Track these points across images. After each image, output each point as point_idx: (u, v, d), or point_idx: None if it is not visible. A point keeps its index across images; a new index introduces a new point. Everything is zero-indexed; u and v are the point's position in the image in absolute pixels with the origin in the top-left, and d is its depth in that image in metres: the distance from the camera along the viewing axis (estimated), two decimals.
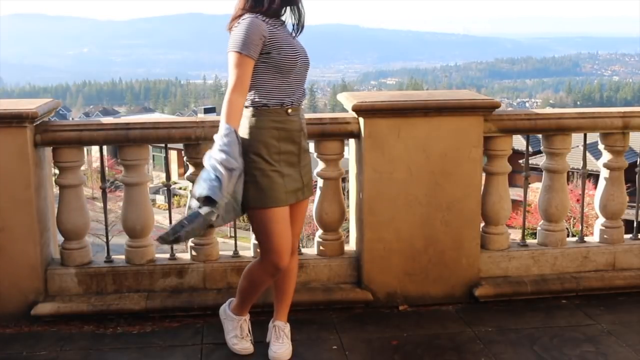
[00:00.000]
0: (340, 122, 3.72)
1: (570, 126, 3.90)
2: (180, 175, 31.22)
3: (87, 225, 3.82)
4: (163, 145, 3.83)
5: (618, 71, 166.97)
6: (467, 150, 3.69)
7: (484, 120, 3.71)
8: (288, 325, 3.23)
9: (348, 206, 4.00)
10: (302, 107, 3.02)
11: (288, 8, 2.97)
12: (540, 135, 4.02)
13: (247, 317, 3.24)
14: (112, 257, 3.86)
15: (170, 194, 4.17)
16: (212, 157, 2.74)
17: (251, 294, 3.15)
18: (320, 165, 3.83)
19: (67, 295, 3.70)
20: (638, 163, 4.10)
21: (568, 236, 4.12)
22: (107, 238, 4.00)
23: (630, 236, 4.17)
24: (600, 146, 4.04)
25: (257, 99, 2.88)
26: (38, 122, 3.57)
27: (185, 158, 3.74)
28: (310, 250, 3.98)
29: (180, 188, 32.03)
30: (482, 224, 3.95)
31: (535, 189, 8.44)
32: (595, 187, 4.26)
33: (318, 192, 3.86)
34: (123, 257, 3.84)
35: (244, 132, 2.87)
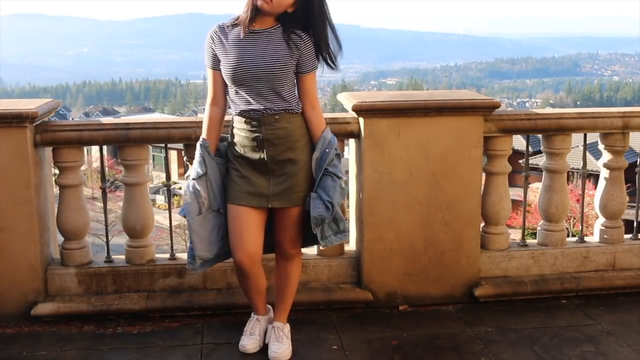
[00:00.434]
0: (340, 122, 3.72)
1: (570, 126, 3.90)
2: (180, 175, 31.20)
3: (87, 225, 3.82)
4: (163, 145, 3.83)
5: (618, 71, 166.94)
6: (467, 150, 3.69)
7: (484, 120, 3.71)
8: (288, 325, 3.24)
9: (348, 206, 3.99)
10: (277, 117, 2.92)
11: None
12: (540, 135, 4.02)
13: (259, 316, 3.27)
14: (112, 257, 3.86)
15: (170, 194, 4.17)
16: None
17: (245, 292, 3.25)
18: None
19: (67, 295, 3.70)
20: (638, 163, 4.10)
21: (568, 236, 4.12)
22: (107, 238, 4.00)
23: (630, 236, 4.17)
24: (600, 146, 4.04)
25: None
26: (38, 122, 3.57)
27: (185, 158, 3.73)
28: (310, 250, 3.97)
29: (180, 188, 31.94)
30: (482, 224, 3.95)
31: (535, 189, 8.43)
32: (595, 187, 4.26)
33: None
34: (123, 257, 3.84)
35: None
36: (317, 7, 2.91)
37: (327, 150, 3.02)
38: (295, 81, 2.99)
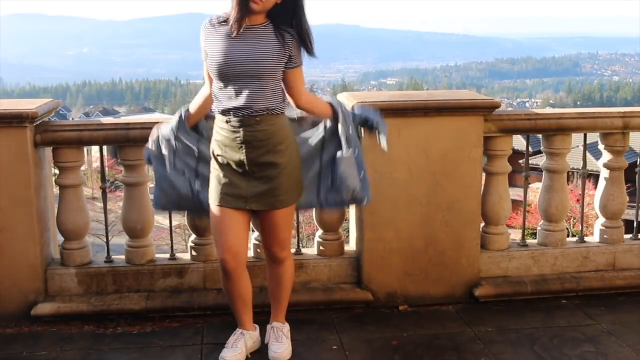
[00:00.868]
0: None
1: (570, 126, 3.90)
2: None
3: (87, 225, 3.82)
4: None
5: (618, 71, 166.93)
6: (467, 150, 3.69)
7: (484, 120, 3.71)
8: (287, 325, 3.24)
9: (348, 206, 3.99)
10: (258, 119, 2.87)
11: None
12: (540, 135, 4.02)
13: (244, 330, 3.15)
14: (112, 257, 3.86)
15: None
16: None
17: (230, 302, 3.16)
18: None
19: (67, 295, 3.70)
20: (638, 163, 4.10)
21: (568, 236, 4.12)
22: (107, 238, 4.00)
23: (630, 236, 4.17)
24: (600, 146, 4.04)
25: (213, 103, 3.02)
26: (38, 122, 3.57)
27: None
28: (310, 250, 3.98)
29: None
30: (482, 224, 3.95)
31: (535, 189, 8.43)
32: (595, 187, 4.26)
33: None
34: (123, 257, 3.84)
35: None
36: None
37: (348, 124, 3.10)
38: (280, 80, 2.94)
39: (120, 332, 3.48)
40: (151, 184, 3.54)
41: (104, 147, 3.82)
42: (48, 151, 3.73)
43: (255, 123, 2.88)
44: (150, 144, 3.16)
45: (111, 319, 3.60)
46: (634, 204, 4.18)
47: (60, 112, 61.85)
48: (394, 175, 3.66)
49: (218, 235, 3.02)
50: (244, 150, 2.90)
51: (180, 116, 3.11)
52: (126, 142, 3.67)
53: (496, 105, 3.73)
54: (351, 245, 3.99)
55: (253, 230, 3.73)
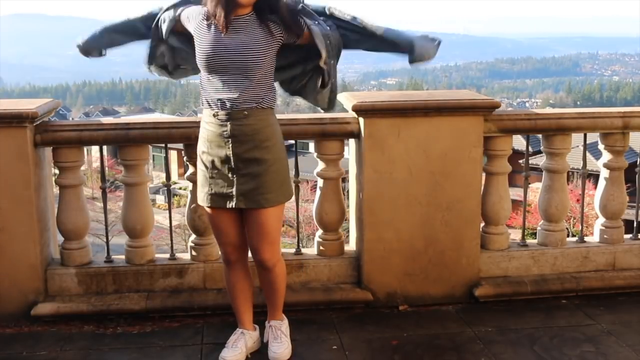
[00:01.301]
0: (340, 122, 3.72)
1: (570, 126, 3.90)
2: (180, 175, 31.15)
3: (87, 225, 3.82)
4: (163, 145, 3.83)
5: (618, 71, 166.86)
6: (467, 150, 3.69)
7: (484, 120, 3.71)
8: (285, 321, 3.22)
9: (348, 206, 3.99)
10: (246, 113, 2.85)
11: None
12: (540, 135, 4.02)
13: (245, 330, 3.17)
14: (112, 257, 3.86)
15: (170, 194, 4.17)
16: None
17: (231, 299, 3.20)
18: (320, 165, 3.83)
19: (67, 295, 3.70)
20: (638, 163, 4.10)
21: (568, 236, 4.12)
22: (107, 238, 4.00)
23: (630, 236, 4.17)
24: (600, 146, 4.03)
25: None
26: (38, 122, 3.57)
27: (185, 158, 3.74)
28: (310, 250, 3.98)
29: (180, 188, 31.98)
30: (482, 224, 3.95)
31: (535, 189, 8.42)
32: (595, 187, 4.26)
33: (318, 192, 3.86)
34: (123, 257, 3.84)
35: None
36: None
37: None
38: (271, 73, 2.92)
39: (120, 332, 3.48)
40: (151, 184, 3.55)
41: (104, 147, 3.82)
42: (48, 151, 3.73)
43: (243, 117, 2.86)
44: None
45: (111, 319, 3.60)
46: (634, 204, 4.18)
47: (60, 112, 61.82)
48: (394, 175, 3.66)
49: (216, 232, 3.10)
50: (230, 145, 2.88)
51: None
52: (126, 142, 3.67)
53: (496, 105, 3.73)
54: (351, 245, 3.98)
55: None
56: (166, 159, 4.05)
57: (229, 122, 2.86)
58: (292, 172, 3.34)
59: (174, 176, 33.58)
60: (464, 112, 3.67)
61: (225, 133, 2.88)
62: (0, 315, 3.58)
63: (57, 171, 3.78)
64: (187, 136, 3.63)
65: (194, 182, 3.74)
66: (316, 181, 3.87)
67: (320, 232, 3.92)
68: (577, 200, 9.21)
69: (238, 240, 3.06)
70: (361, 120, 3.66)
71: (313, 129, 3.68)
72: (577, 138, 4.03)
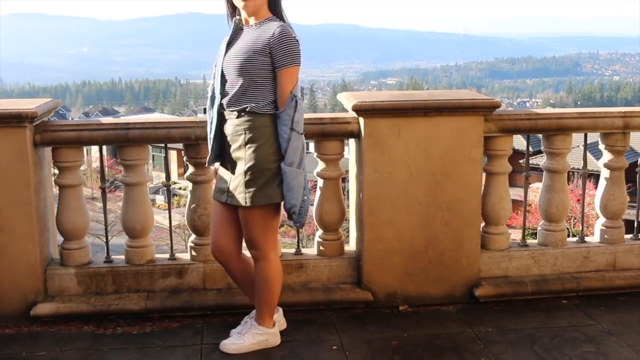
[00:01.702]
0: (340, 122, 3.71)
1: (571, 126, 3.90)
2: (180, 175, 31.20)
3: (87, 225, 3.82)
4: (163, 145, 3.82)
5: (618, 71, 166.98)
6: (468, 150, 3.68)
7: (485, 120, 3.71)
8: (262, 329, 3.23)
9: (348, 206, 3.99)
10: (234, 114, 2.99)
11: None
12: (540, 135, 4.02)
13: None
14: (112, 257, 3.85)
15: (170, 194, 4.16)
16: None
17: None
18: (320, 165, 3.82)
19: (67, 295, 3.70)
20: (638, 163, 4.10)
21: (568, 236, 4.11)
22: (106, 238, 3.99)
23: (631, 236, 4.16)
24: (601, 146, 4.03)
25: None
26: (37, 122, 3.57)
27: (185, 158, 3.73)
28: (310, 250, 3.97)
29: (180, 188, 32.00)
30: (482, 224, 3.94)
31: (536, 189, 8.43)
32: (596, 187, 4.25)
33: (318, 192, 3.85)
34: (123, 257, 3.84)
35: None
36: None
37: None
38: (268, 79, 2.98)
39: (120, 332, 3.48)
40: (151, 184, 3.56)
41: (104, 147, 3.81)
42: (47, 151, 3.73)
43: (235, 117, 3.01)
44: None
45: (111, 319, 3.59)
46: (635, 204, 4.18)
47: (60, 112, 61.89)
48: (394, 175, 3.65)
49: (211, 229, 3.25)
50: (227, 144, 3.06)
51: None
52: (126, 142, 3.67)
53: (496, 105, 3.73)
54: (351, 246, 3.98)
55: None
56: (166, 159, 4.04)
57: (224, 122, 3.07)
58: None
59: (174, 176, 33.63)
60: (464, 112, 3.67)
61: (222, 132, 3.09)
62: (0, 316, 3.57)
63: (56, 171, 3.77)
64: (186, 136, 3.62)
65: (194, 182, 3.74)
66: (316, 181, 3.86)
67: (320, 232, 3.91)
68: (578, 200, 9.22)
69: (224, 240, 3.16)
70: (361, 120, 3.65)
71: (313, 129, 3.67)
72: (577, 138, 4.02)
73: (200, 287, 3.78)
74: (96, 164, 28.85)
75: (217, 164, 3.17)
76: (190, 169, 3.73)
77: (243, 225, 3.11)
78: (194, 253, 3.81)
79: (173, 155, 30.46)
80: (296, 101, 2.97)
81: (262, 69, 2.95)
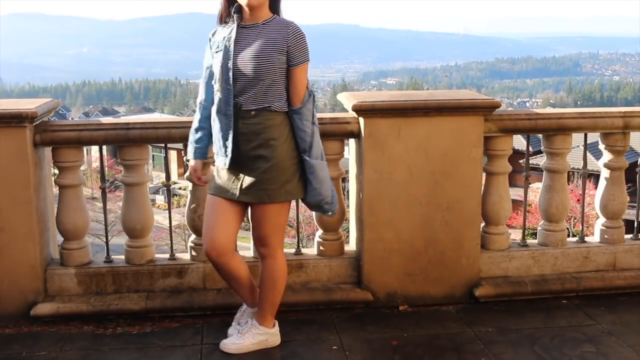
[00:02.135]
0: (340, 122, 3.71)
1: (571, 126, 3.90)
2: (180, 175, 31.16)
3: (87, 225, 3.82)
4: (163, 145, 3.83)
5: (619, 71, 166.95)
6: (468, 150, 3.69)
7: (485, 120, 3.71)
8: (263, 329, 3.22)
9: (348, 206, 3.99)
10: (253, 113, 2.96)
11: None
12: (540, 135, 4.02)
13: (247, 307, 3.31)
14: (112, 257, 3.85)
15: (170, 194, 4.16)
16: None
17: (229, 285, 3.34)
18: None
19: (67, 295, 3.70)
20: (638, 163, 4.10)
21: (568, 236, 4.11)
22: (106, 238, 3.99)
23: (631, 236, 4.16)
24: (601, 146, 4.03)
25: None
26: (37, 122, 3.57)
27: (185, 158, 3.73)
28: (310, 250, 3.97)
29: (180, 188, 32.00)
30: (483, 224, 3.94)
31: (536, 189, 8.43)
32: (596, 187, 4.25)
33: None
34: (123, 257, 3.84)
35: None
36: None
37: None
38: (281, 78, 2.99)
39: (120, 332, 3.48)
40: (151, 184, 3.55)
41: (104, 147, 3.81)
42: (47, 151, 3.73)
43: (251, 117, 2.97)
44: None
45: (111, 319, 3.59)
46: (635, 204, 4.18)
47: (60, 112, 61.89)
48: (394, 175, 3.65)
49: (206, 226, 3.13)
50: (239, 143, 3.00)
51: None
52: (126, 142, 3.67)
53: (496, 105, 3.73)
54: (351, 246, 3.98)
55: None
56: (166, 159, 4.05)
57: (238, 121, 2.99)
58: None
59: (174, 176, 33.59)
60: (464, 112, 3.67)
61: (234, 131, 3.04)
62: (0, 316, 3.57)
63: (56, 171, 3.77)
64: (186, 136, 3.61)
65: (194, 182, 3.74)
66: None
67: (320, 232, 3.91)
68: (578, 200, 9.22)
69: (224, 238, 3.10)
70: (361, 120, 3.65)
71: None
72: (577, 138, 4.02)
73: (200, 287, 3.78)
74: (96, 164, 28.85)
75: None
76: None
77: (256, 222, 3.11)
78: (194, 253, 3.81)
79: (173, 155, 30.44)
80: (313, 96, 3.04)
81: (281, 67, 2.97)
